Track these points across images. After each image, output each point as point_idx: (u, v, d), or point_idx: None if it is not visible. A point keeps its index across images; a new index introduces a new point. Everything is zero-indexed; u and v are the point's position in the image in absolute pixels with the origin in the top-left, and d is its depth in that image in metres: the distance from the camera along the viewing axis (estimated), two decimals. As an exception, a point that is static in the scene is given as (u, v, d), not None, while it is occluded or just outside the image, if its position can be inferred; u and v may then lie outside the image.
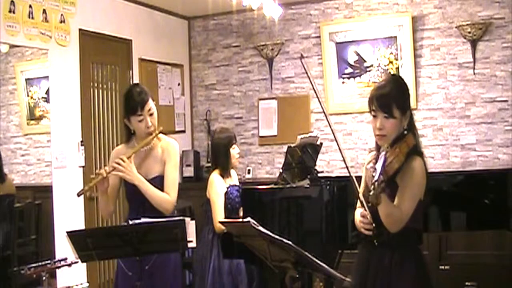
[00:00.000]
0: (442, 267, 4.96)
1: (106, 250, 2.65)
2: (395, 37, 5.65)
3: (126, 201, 3.21)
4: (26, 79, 4.90)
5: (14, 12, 4.22)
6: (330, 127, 2.80)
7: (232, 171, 4.36)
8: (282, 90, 6.20)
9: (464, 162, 5.47)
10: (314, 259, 2.40)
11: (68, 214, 4.64)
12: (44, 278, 3.00)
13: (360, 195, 2.48)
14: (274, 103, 6.22)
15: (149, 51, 5.84)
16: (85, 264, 3.60)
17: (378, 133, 2.48)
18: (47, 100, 4.76)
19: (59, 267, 3.10)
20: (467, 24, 5.36)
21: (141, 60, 5.71)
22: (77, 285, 3.21)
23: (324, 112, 2.81)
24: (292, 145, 4.10)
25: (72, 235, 2.59)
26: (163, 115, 6.06)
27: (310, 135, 4.48)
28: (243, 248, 2.77)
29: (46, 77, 4.70)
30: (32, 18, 4.37)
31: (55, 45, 4.61)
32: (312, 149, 4.44)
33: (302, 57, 2.55)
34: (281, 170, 4.09)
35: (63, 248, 3.43)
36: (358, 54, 5.81)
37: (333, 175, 5.22)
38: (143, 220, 2.68)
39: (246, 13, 6.17)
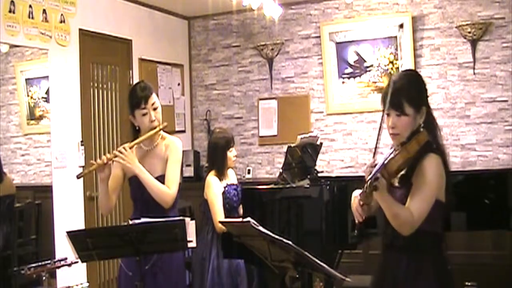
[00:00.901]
0: (442, 267, 4.95)
1: (106, 250, 2.65)
2: (395, 37, 5.65)
3: (131, 201, 3.20)
4: (26, 79, 4.90)
5: (14, 12, 4.22)
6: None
7: (230, 170, 4.35)
8: (282, 90, 6.20)
9: (464, 162, 5.47)
10: (314, 259, 2.40)
11: (68, 214, 4.64)
12: (44, 278, 3.00)
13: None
14: (274, 103, 6.22)
15: (149, 51, 5.84)
16: (85, 264, 3.60)
17: (391, 131, 2.36)
18: (47, 100, 4.76)
19: (59, 267, 3.10)
20: (467, 24, 5.36)
21: (141, 60, 5.71)
22: (77, 285, 3.20)
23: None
24: (292, 145, 4.11)
25: (72, 235, 2.58)
26: (163, 115, 6.02)
27: (310, 135, 4.48)
28: (243, 248, 2.77)
29: (46, 77, 4.70)
30: (32, 18, 4.37)
31: (55, 45, 4.61)
32: (312, 149, 4.44)
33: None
34: (281, 170, 4.09)
35: (63, 248, 3.43)
36: (358, 54, 5.81)
37: (333, 175, 5.22)
38: (143, 220, 2.68)
39: (246, 13, 6.17)
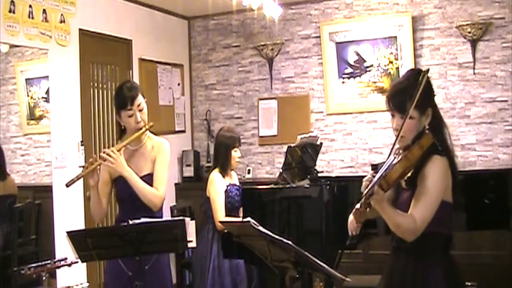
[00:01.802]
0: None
1: (106, 250, 2.65)
2: (395, 37, 5.65)
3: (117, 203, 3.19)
4: (26, 79, 4.90)
5: (14, 12, 4.22)
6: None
7: (233, 172, 4.37)
8: (282, 90, 6.20)
9: (464, 162, 5.47)
10: (314, 259, 2.40)
11: (68, 214, 4.64)
12: (44, 278, 3.00)
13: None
14: (274, 103, 6.22)
15: (149, 51, 5.84)
16: (85, 264, 3.60)
17: (396, 133, 2.29)
18: (47, 100, 4.76)
19: (59, 267, 3.10)
20: (467, 24, 5.36)
21: (141, 60, 5.71)
22: (77, 285, 3.20)
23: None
24: (292, 145, 4.11)
25: (72, 235, 2.58)
26: (163, 115, 6.08)
27: (310, 135, 4.49)
28: (243, 248, 2.77)
29: (46, 77, 4.70)
30: (32, 18, 4.37)
31: (55, 45, 4.61)
32: (312, 149, 4.44)
33: (427, 71, 2.32)
34: (281, 170, 4.10)
35: (63, 248, 3.43)
36: (358, 54, 5.81)
37: (333, 175, 5.22)
38: (143, 220, 2.68)
39: (246, 13, 6.17)
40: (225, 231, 3.74)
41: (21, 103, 4.94)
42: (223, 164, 4.20)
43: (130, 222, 2.65)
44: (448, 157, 2.30)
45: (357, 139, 5.87)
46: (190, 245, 2.71)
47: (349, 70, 5.85)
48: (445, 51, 5.54)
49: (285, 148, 4.21)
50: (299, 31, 6.11)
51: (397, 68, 5.64)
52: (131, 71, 5.55)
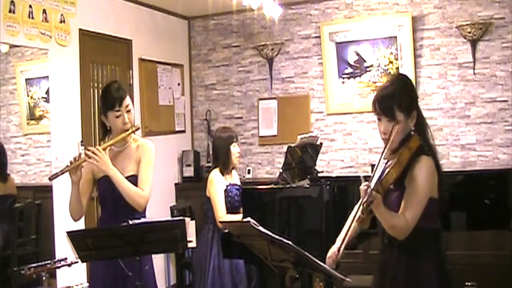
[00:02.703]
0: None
1: (106, 250, 2.65)
2: (395, 37, 5.65)
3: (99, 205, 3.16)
4: (26, 79, 4.90)
5: (14, 12, 4.22)
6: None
7: (234, 172, 4.37)
8: (282, 90, 6.20)
9: (464, 162, 5.47)
10: (314, 259, 2.40)
11: (68, 214, 4.63)
12: (44, 278, 3.00)
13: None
14: (274, 103, 6.22)
15: (149, 51, 5.84)
16: (85, 264, 3.60)
17: (383, 137, 2.42)
18: (47, 100, 4.76)
19: (59, 267, 3.10)
20: (467, 24, 5.36)
21: (141, 60, 5.71)
22: (77, 285, 3.21)
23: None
24: (292, 145, 4.11)
25: (72, 235, 2.58)
26: (163, 115, 6.08)
27: (310, 135, 4.48)
28: (243, 248, 2.77)
29: (46, 77, 4.70)
30: (32, 18, 4.37)
31: (55, 45, 4.61)
32: (312, 149, 4.44)
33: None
34: (281, 170, 4.09)
35: (63, 248, 3.43)
36: (358, 54, 5.81)
37: (333, 175, 5.23)
38: (143, 220, 2.68)
39: (246, 13, 6.17)
40: (225, 231, 3.74)
41: (21, 103, 4.94)
42: (224, 162, 4.21)
43: (130, 222, 2.65)
44: (433, 156, 2.39)
45: (357, 139, 5.87)
46: (190, 245, 2.71)
47: (349, 70, 5.85)
48: (445, 51, 5.53)
49: (285, 148, 4.21)
50: (299, 31, 6.11)
51: (397, 68, 5.64)
52: (131, 71, 5.55)
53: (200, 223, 3.91)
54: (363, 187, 2.20)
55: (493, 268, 4.95)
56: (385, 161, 2.27)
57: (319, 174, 4.52)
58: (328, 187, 3.77)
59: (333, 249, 2.63)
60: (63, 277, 4.02)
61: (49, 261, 3.07)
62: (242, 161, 6.15)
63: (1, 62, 4.68)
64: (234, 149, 4.24)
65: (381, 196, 2.21)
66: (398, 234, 2.29)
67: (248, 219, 2.49)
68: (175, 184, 6.25)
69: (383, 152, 2.36)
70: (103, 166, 2.89)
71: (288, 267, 2.55)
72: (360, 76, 5.82)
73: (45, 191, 4.60)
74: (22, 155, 4.86)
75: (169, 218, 4.33)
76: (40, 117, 4.90)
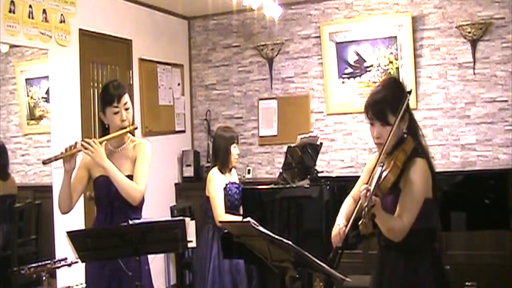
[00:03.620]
0: (442, 267, 4.96)
1: (106, 250, 2.65)
2: (395, 37, 5.65)
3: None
4: (26, 79, 4.90)
5: (14, 12, 4.22)
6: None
7: (233, 171, 4.37)
8: (282, 90, 6.20)
9: (464, 162, 5.47)
10: (314, 259, 2.40)
11: (68, 214, 4.62)
12: (44, 278, 3.00)
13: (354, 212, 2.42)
14: (274, 103, 6.22)
15: (149, 51, 5.84)
16: (85, 264, 3.60)
17: (376, 141, 2.43)
18: (47, 100, 4.77)
19: (59, 267, 3.10)
20: (467, 24, 5.35)
21: (141, 60, 5.71)
22: (77, 285, 3.21)
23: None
24: (292, 145, 4.11)
25: (72, 235, 2.58)
26: (163, 115, 6.08)
27: (310, 135, 4.49)
28: (243, 248, 2.77)
29: (46, 77, 4.70)
30: (32, 18, 4.37)
31: (55, 45, 4.61)
32: (312, 149, 4.44)
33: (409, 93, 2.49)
34: (281, 170, 4.10)
35: (63, 248, 3.43)
36: (358, 54, 5.81)
37: (333, 175, 5.22)
38: (143, 220, 2.68)
39: (246, 13, 6.17)
40: (225, 231, 3.74)
41: (21, 103, 4.94)
42: (223, 160, 4.21)
43: (130, 222, 2.65)
44: (426, 157, 2.41)
45: (357, 139, 5.87)
46: (190, 245, 2.71)
47: (349, 70, 5.85)
48: (445, 51, 5.53)
49: (285, 148, 4.21)
50: (299, 31, 6.11)
51: (397, 68, 5.64)
52: (131, 71, 5.55)
53: (200, 223, 3.92)
54: (363, 191, 2.21)
55: (493, 268, 4.95)
56: (381, 165, 2.26)
57: (319, 174, 4.52)
58: (328, 187, 3.77)
59: (339, 226, 2.59)
60: (63, 277, 4.02)
61: (49, 261, 3.07)
62: (242, 161, 6.15)
63: (1, 62, 4.69)
64: (234, 150, 4.25)
65: (380, 200, 2.22)
66: (395, 237, 2.31)
67: (248, 219, 2.50)
68: (175, 184, 6.25)
69: (379, 157, 2.38)
70: (97, 157, 2.89)
71: (288, 267, 2.55)
72: (360, 76, 5.82)
73: (45, 191, 4.60)
74: (22, 155, 4.86)
75: (169, 218, 4.33)
76: (40, 117, 4.90)
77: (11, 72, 4.86)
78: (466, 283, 4.74)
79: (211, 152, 4.76)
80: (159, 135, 5.89)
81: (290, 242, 2.39)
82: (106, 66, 5.26)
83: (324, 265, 2.42)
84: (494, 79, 5.38)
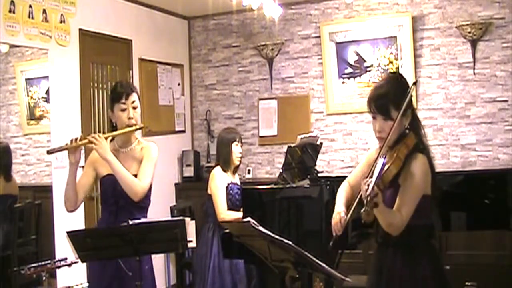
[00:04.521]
0: (442, 267, 4.96)
1: (106, 250, 2.65)
2: (395, 37, 5.65)
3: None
4: (26, 79, 4.91)
5: (14, 12, 4.22)
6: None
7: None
8: (282, 90, 6.20)
9: (464, 162, 5.47)
10: (314, 259, 2.40)
11: (68, 214, 4.62)
12: (44, 278, 3.00)
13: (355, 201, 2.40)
14: (274, 103, 6.22)
15: (149, 51, 5.84)
16: (85, 264, 3.60)
17: (378, 135, 2.45)
18: (47, 100, 4.77)
19: (59, 267, 3.10)
20: (467, 24, 5.35)
21: (141, 60, 5.71)
22: (77, 285, 3.20)
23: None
24: (292, 145, 4.11)
25: (72, 235, 2.58)
26: (163, 115, 6.08)
27: (310, 135, 4.49)
28: (243, 248, 2.77)
29: (46, 77, 4.70)
30: (32, 18, 4.37)
31: (55, 45, 4.61)
32: (312, 149, 4.44)
33: (415, 83, 2.51)
34: (281, 170, 4.10)
35: (63, 248, 3.43)
36: (358, 54, 5.81)
37: (333, 175, 5.22)
38: (143, 220, 2.68)
39: (246, 13, 6.17)
40: (226, 230, 3.74)
41: (21, 103, 4.95)
42: (225, 159, 4.24)
43: (130, 222, 2.65)
44: (427, 154, 2.43)
45: (357, 139, 5.87)
46: (190, 245, 2.71)
47: (349, 70, 5.85)
48: (445, 51, 5.53)
49: (285, 148, 4.22)
50: (299, 31, 6.11)
51: (397, 68, 5.64)
52: (131, 71, 5.55)
53: (200, 223, 3.92)
54: (364, 183, 2.22)
55: (493, 268, 4.95)
56: (383, 158, 2.27)
57: (319, 174, 4.52)
58: (328, 187, 3.77)
59: (339, 214, 2.55)
60: (63, 277, 4.02)
61: (49, 261, 3.07)
62: (242, 161, 6.14)
63: (1, 62, 4.69)
64: (236, 148, 4.27)
65: (381, 192, 2.22)
66: (394, 230, 2.33)
67: (248, 219, 2.50)
68: (175, 184, 6.25)
69: (380, 151, 2.39)
70: (101, 149, 2.90)
71: (288, 267, 2.55)
72: (360, 76, 5.82)
73: (45, 191, 4.60)
74: (22, 155, 4.87)
75: (169, 218, 4.33)
76: (40, 117, 4.90)
77: (11, 72, 4.86)
78: (466, 283, 4.74)
79: (211, 153, 4.78)
80: (159, 135, 5.88)
81: (290, 242, 2.39)
82: (106, 66, 5.26)
83: (324, 265, 2.42)
84: (494, 79, 5.38)
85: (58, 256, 3.71)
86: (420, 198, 2.35)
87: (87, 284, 3.25)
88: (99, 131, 5.10)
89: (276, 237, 2.42)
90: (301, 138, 4.16)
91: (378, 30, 5.71)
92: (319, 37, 5.96)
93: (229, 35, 6.43)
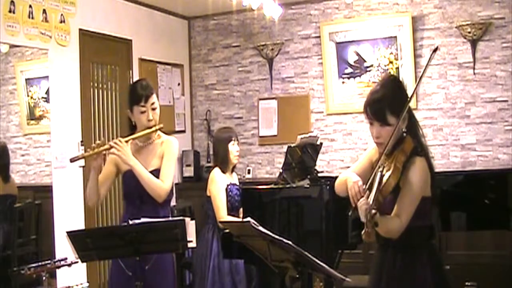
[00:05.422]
0: (442, 267, 4.96)
1: (106, 250, 2.65)
2: (395, 37, 5.65)
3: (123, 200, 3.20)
4: (26, 79, 4.91)
5: (14, 12, 4.22)
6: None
7: (233, 173, 4.38)
8: (282, 90, 6.20)
9: (464, 162, 5.47)
10: (314, 259, 2.40)
11: (68, 214, 4.63)
12: (44, 278, 3.00)
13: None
14: (274, 103, 6.22)
15: (149, 51, 5.84)
16: (85, 264, 3.60)
17: (376, 141, 2.41)
18: (47, 100, 4.77)
19: (59, 267, 3.10)
20: (467, 24, 5.35)
21: (141, 60, 5.71)
22: (77, 285, 3.20)
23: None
24: (292, 145, 4.11)
25: (72, 235, 2.58)
26: (163, 115, 6.02)
27: (310, 135, 4.48)
28: (243, 248, 2.77)
29: (46, 77, 4.70)
30: (32, 18, 4.37)
31: (55, 45, 4.61)
32: (312, 149, 4.44)
33: (435, 50, 2.39)
34: (281, 170, 4.09)
35: (63, 248, 3.43)
36: (358, 54, 5.81)
37: (333, 175, 5.22)
38: (143, 220, 2.68)
39: (246, 13, 6.17)
40: (226, 230, 3.74)
41: (21, 103, 4.95)
42: (222, 160, 4.22)
43: (130, 222, 2.66)
44: (425, 156, 2.39)
45: (357, 139, 5.87)
46: (190, 245, 2.71)
47: (349, 70, 5.85)
48: (445, 51, 5.53)
49: (285, 148, 4.21)
50: (299, 31, 6.11)
51: (397, 68, 5.64)
52: (131, 71, 5.55)
53: (200, 223, 3.91)
54: (362, 205, 2.20)
55: (493, 268, 4.95)
56: (381, 170, 2.25)
57: (319, 174, 4.52)
58: (328, 187, 3.76)
59: (357, 183, 2.31)
60: (63, 277, 4.02)
61: (49, 261, 3.06)
62: (242, 161, 6.15)
63: (1, 62, 4.69)
64: (233, 147, 4.25)
65: (381, 203, 2.22)
66: (393, 235, 2.33)
67: (248, 219, 2.49)
68: (175, 184, 6.23)
69: (378, 160, 2.34)
70: (123, 155, 2.94)
71: (288, 267, 2.55)
72: (360, 76, 5.82)
73: (45, 191, 4.60)
74: (22, 155, 4.87)
75: (169, 218, 4.32)
76: (40, 117, 4.90)
77: (11, 72, 4.86)
78: (466, 283, 4.73)
79: (211, 154, 4.78)
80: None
81: (290, 242, 2.39)
82: (106, 66, 5.26)
83: (324, 265, 2.42)
84: (494, 79, 5.38)
85: (58, 256, 3.71)
86: (420, 200, 2.33)
87: (87, 284, 3.25)
88: (99, 131, 5.11)
89: (276, 237, 2.42)
90: (301, 138, 4.16)
91: (378, 30, 5.71)
92: (319, 37, 5.96)
93: (229, 35, 6.43)
